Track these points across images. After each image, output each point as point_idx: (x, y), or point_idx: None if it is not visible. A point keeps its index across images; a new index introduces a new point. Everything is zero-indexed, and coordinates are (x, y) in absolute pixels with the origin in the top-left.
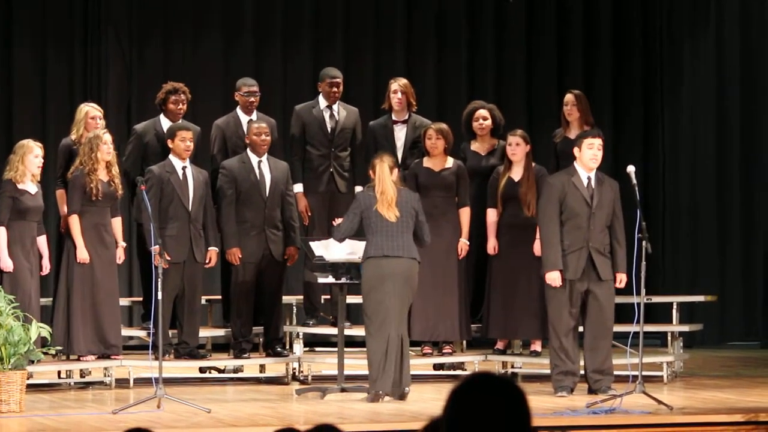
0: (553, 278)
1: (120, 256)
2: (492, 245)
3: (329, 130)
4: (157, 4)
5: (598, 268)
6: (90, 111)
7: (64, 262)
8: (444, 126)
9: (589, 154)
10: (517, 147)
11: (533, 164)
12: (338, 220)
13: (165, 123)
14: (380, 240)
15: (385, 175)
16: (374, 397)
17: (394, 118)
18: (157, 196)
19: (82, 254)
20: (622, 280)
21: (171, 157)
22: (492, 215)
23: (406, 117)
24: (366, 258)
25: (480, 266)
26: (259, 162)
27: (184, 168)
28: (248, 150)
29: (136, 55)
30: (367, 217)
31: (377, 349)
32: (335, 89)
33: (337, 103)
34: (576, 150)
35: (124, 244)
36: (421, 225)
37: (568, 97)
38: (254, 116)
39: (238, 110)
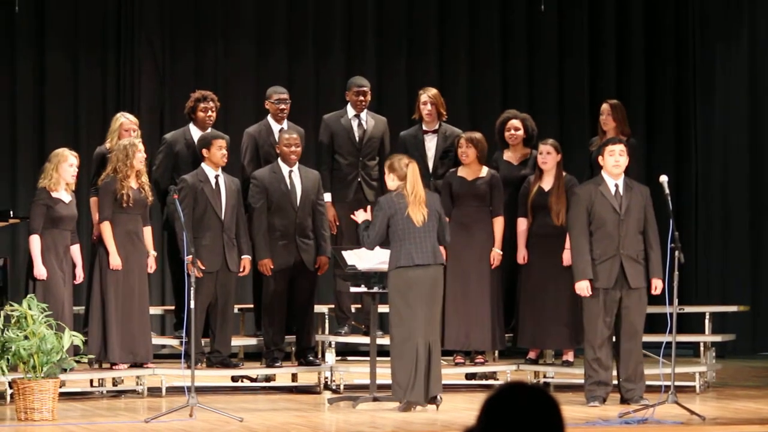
0: (582, 288)
1: (151, 265)
2: (522, 255)
3: (357, 139)
4: (190, 12)
5: (629, 276)
6: (125, 123)
7: (97, 270)
8: (476, 135)
9: (611, 161)
10: (548, 156)
11: (564, 174)
12: (359, 215)
13: (195, 132)
14: (409, 246)
15: (417, 175)
16: (407, 407)
17: (424, 128)
18: (190, 206)
19: (115, 260)
20: (657, 286)
21: (204, 165)
22: (522, 225)
23: (437, 127)
24: (395, 267)
25: (511, 276)
26: (290, 172)
27: (216, 177)
28: (279, 160)
29: (169, 62)
30: (394, 223)
31: (406, 359)
32: (362, 98)
33: (366, 112)
34: (600, 159)
35: (155, 253)
36: (444, 225)
37: (604, 107)
38: (285, 125)
39: (269, 118)
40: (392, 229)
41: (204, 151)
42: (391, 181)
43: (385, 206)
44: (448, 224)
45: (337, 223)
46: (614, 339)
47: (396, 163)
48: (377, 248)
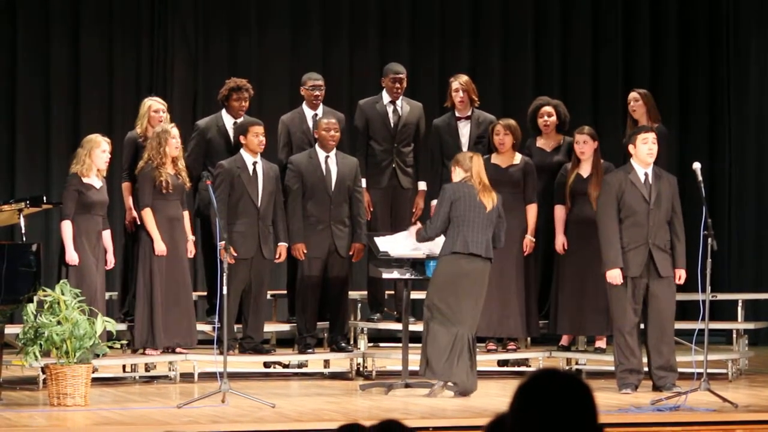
0: (614, 276)
1: (191, 249)
2: (560, 242)
3: (392, 125)
4: None
5: (658, 265)
6: (153, 105)
7: (142, 257)
8: (512, 122)
9: (645, 149)
10: (585, 144)
11: (601, 161)
12: (413, 229)
13: (227, 119)
14: (468, 233)
15: (482, 166)
16: (440, 389)
17: (457, 115)
18: (226, 191)
19: (160, 247)
20: (681, 276)
21: (242, 152)
22: (560, 212)
23: (469, 113)
24: (450, 252)
25: (547, 262)
26: (327, 157)
27: (254, 163)
28: (316, 145)
29: (203, 48)
30: (456, 207)
31: (444, 342)
32: (398, 85)
33: (401, 98)
34: (631, 147)
35: (193, 238)
36: (502, 226)
37: (633, 95)
38: (320, 111)
39: (304, 105)
40: (453, 214)
41: (241, 137)
42: (457, 175)
43: (449, 192)
44: (505, 226)
45: (371, 209)
46: (644, 327)
47: (461, 156)
48: (408, 235)
